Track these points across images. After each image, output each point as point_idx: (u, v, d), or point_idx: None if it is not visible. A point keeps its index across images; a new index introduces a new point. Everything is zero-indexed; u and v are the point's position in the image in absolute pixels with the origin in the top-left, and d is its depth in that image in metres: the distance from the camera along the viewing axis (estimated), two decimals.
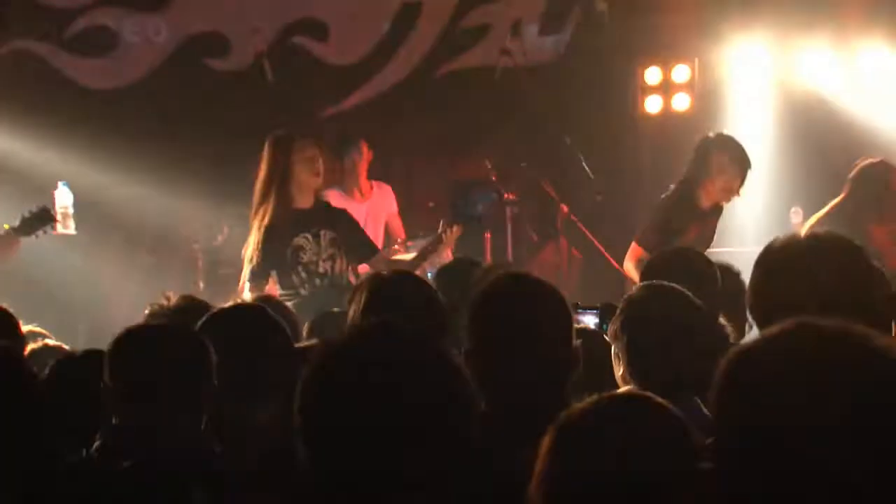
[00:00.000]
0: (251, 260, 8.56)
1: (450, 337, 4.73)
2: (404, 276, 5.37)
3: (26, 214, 8.60)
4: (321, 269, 8.53)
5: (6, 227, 8.58)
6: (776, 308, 3.57)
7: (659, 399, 2.74)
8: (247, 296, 8.43)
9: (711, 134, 9.43)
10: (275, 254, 8.49)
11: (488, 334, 3.90)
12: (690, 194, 8.98)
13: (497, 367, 3.84)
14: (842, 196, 9.32)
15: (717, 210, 9.15)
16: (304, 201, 8.60)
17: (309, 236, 8.54)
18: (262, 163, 8.67)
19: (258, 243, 8.53)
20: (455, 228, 8.76)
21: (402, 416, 2.68)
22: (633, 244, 8.91)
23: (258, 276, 8.53)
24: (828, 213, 9.30)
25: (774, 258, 3.89)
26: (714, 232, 9.22)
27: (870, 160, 9.37)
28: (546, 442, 2.57)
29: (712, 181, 8.89)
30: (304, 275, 8.51)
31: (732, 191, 8.93)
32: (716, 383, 2.24)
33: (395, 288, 4.99)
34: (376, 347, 2.78)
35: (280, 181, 8.55)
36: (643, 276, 5.98)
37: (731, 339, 5.82)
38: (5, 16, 11.70)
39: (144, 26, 12.10)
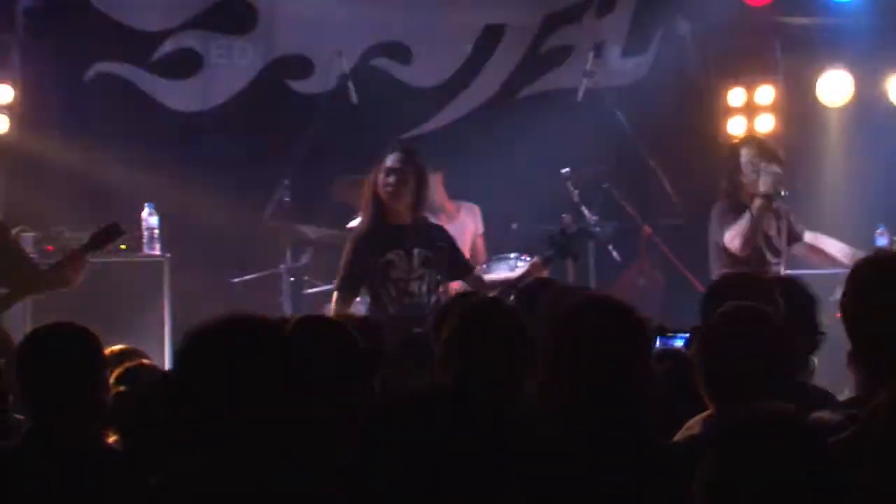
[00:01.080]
0: (342, 271, 8.61)
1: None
2: (495, 305, 5.35)
3: (96, 231, 8.60)
4: (411, 289, 8.54)
5: (71, 250, 8.61)
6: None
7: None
8: (332, 306, 8.51)
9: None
10: (364, 265, 8.53)
11: (565, 359, 3.95)
12: (736, 184, 9.12)
13: (573, 393, 3.89)
14: None
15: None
16: (402, 218, 8.63)
17: (402, 252, 8.55)
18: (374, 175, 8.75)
19: (348, 253, 8.59)
20: (545, 266, 8.82)
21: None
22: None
23: (346, 288, 8.58)
24: None
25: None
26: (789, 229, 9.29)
27: None
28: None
29: (745, 176, 9.05)
30: (393, 293, 8.52)
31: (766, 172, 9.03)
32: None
33: (485, 318, 4.93)
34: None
35: (376, 196, 8.62)
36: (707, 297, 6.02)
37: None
38: (86, 38, 11.79)
39: (230, 49, 12.18)
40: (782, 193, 9.13)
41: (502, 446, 3.00)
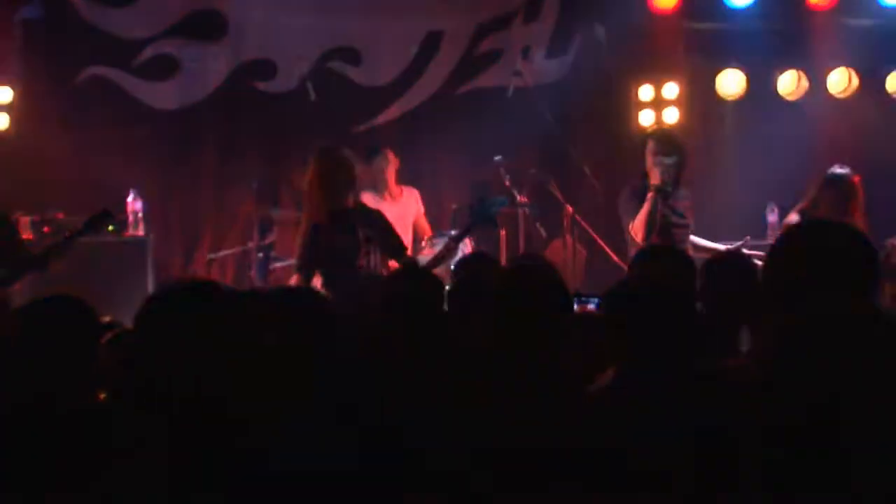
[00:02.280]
0: (300, 254, 8.60)
1: None
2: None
3: (90, 217, 8.57)
4: (360, 263, 8.55)
5: (67, 234, 8.58)
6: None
7: None
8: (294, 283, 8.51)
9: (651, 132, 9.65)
10: (317, 247, 8.52)
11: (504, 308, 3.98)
12: (645, 179, 9.12)
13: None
14: (812, 196, 9.34)
15: (682, 193, 9.21)
16: (343, 202, 8.61)
17: (349, 234, 8.55)
18: (309, 170, 8.71)
19: (304, 238, 8.57)
20: (465, 234, 8.88)
21: None
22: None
23: (305, 267, 8.56)
24: (801, 210, 9.33)
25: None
26: (684, 214, 9.27)
27: (836, 167, 9.40)
28: None
29: (648, 165, 9.06)
30: (344, 269, 8.52)
31: (658, 167, 9.02)
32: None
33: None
34: None
35: (323, 184, 8.59)
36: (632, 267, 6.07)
37: None
38: (78, 45, 11.74)
39: (203, 54, 12.12)
40: (667, 188, 9.07)
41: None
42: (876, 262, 3.74)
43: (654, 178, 8.98)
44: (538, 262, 6.58)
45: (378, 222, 8.74)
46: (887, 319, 2.31)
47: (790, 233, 3.98)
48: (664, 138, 9.28)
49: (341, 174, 8.58)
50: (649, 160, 9.08)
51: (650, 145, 9.13)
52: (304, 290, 5.51)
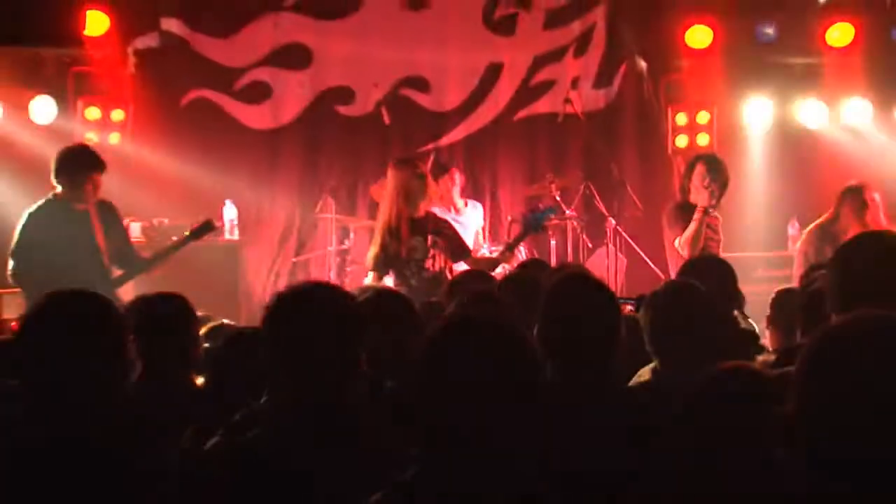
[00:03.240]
0: (375, 254, 8.61)
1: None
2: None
3: (194, 224, 8.63)
4: (426, 265, 8.56)
5: (174, 238, 8.66)
6: (854, 297, 3.51)
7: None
8: (369, 281, 8.52)
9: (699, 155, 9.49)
10: (394, 252, 8.54)
11: (557, 319, 3.89)
12: (687, 197, 8.99)
13: (563, 344, 3.84)
14: (831, 210, 9.22)
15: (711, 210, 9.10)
16: (417, 211, 8.63)
17: (421, 238, 8.56)
18: (388, 179, 8.74)
19: (381, 241, 8.58)
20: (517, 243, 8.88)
21: (487, 374, 2.69)
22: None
23: (380, 267, 8.58)
24: (820, 225, 9.21)
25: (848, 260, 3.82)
26: (717, 229, 9.15)
27: (853, 182, 9.28)
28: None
29: (694, 186, 8.90)
30: (414, 269, 8.53)
31: (708, 189, 8.88)
32: (804, 351, 2.21)
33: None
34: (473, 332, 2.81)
35: (400, 193, 8.60)
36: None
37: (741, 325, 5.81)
38: (183, 72, 11.85)
39: (293, 81, 12.17)
40: (711, 211, 8.94)
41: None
42: None
43: (703, 201, 8.73)
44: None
45: (446, 230, 8.76)
46: None
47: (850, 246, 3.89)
48: (715, 164, 9.06)
49: (416, 184, 8.59)
50: (698, 182, 8.91)
51: (700, 168, 8.93)
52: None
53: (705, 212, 8.72)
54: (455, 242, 8.75)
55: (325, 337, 3.31)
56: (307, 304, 3.38)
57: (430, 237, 8.57)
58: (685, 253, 8.76)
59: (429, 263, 8.57)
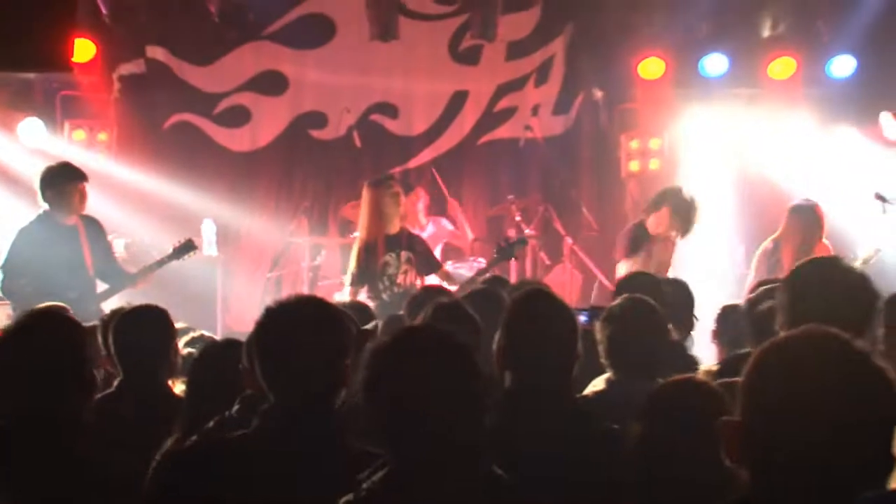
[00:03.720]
0: (353, 271, 8.60)
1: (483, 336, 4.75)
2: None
3: (176, 244, 8.66)
4: (398, 280, 8.55)
5: (158, 257, 8.66)
6: (798, 315, 3.52)
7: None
8: (345, 296, 8.49)
9: (672, 187, 9.46)
10: (368, 266, 8.52)
11: (519, 332, 3.86)
12: (643, 225, 9.00)
13: (524, 355, 3.81)
14: (783, 226, 9.15)
15: (667, 239, 9.08)
16: (392, 227, 8.62)
17: (394, 254, 8.56)
18: (363, 199, 8.74)
19: (358, 257, 8.57)
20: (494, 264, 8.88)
21: (433, 387, 2.69)
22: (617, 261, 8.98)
23: (357, 282, 8.57)
24: (775, 240, 9.15)
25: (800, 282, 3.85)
26: (670, 256, 9.14)
27: (801, 201, 9.23)
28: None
29: (658, 221, 8.91)
30: (387, 283, 8.53)
31: (670, 228, 8.88)
32: (751, 364, 2.18)
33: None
34: (418, 342, 2.82)
35: (375, 211, 8.60)
36: (616, 291, 5.99)
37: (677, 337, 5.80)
38: (166, 97, 11.83)
39: (270, 106, 12.17)
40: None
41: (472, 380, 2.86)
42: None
43: (665, 253, 8.91)
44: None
45: (419, 245, 8.76)
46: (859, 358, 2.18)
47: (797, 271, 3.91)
48: (683, 211, 9.02)
49: (389, 202, 8.60)
50: (663, 225, 8.89)
51: (666, 212, 8.95)
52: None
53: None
54: (426, 257, 8.76)
55: (313, 348, 3.29)
56: (297, 317, 3.36)
57: (403, 253, 8.57)
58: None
59: (401, 278, 8.56)
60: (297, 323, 3.32)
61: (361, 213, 8.72)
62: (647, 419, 3.41)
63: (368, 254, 8.53)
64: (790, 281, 3.86)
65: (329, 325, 3.35)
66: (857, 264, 8.72)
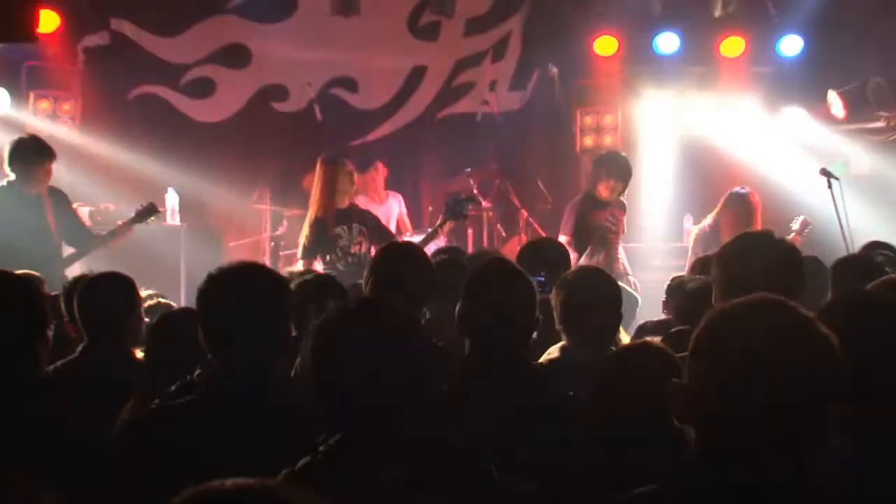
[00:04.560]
0: (304, 243, 8.59)
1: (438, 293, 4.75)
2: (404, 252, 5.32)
3: (139, 208, 8.65)
4: (352, 251, 8.56)
5: (120, 222, 8.64)
6: (735, 287, 3.56)
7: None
8: (299, 267, 8.46)
9: (603, 152, 9.56)
10: (321, 238, 8.52)
11: (479, 300, 3.87)
12: (593, 191, 9.04)
13: (483, 323, 3.82)
14: (717, 211, 9.32)
15: (618, 203, 9.13)
16: (342, 203, 8.63)
17: (345, 227, 8.57)
18: (316, 174, 8.71)
19: (310, 231, 8.57)
20: (447, 224, 8.83)
21: (377, 360, 2.68)
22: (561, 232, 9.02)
23: (309, 254, 8.57)
24: (708, 224, 9.31)
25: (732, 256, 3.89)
26: (621, 223, 9.20)
27: (739, 188, 9.39)
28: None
29: (603, 182, 8.97)
30: (339, 254, 8.54)
31: (615, 189, 8.93)
32: (700, 329, 2.21)
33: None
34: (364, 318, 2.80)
35: (328, 187, 8.59)
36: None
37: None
38: (132, 68, 11.74)
39: (234, 78, 12.12)
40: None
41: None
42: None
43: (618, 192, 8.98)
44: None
45: (369, 219, 8.76)
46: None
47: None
48: (617, 165, 9.15)
49: (342, 179, 8.60)
50: (604, 186, 8.99)
51: (602, 171, 9.06)
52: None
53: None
54: (377, 229, 8.76)
55: (251, 311, 3.31)
56: (235, 282, 3.37)
57: (354, 225, 8.58)
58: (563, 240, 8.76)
59: (355, 249, 8.57)
60: (237, 288, 3.34)
61: (314, 188, 8.69)
62: (602, 382, 3.44)
63: (319, 227, 8.53)
64: (722, 256, 3.92)
65: (267, 291, 3.37)
66: (790, 236, 8.88)
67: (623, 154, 9.53)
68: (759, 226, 8.97)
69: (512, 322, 3.80)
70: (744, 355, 2.11)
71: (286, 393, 3.33)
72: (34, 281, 4.05)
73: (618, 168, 9.11)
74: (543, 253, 6.02)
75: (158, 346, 4.45)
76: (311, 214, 8.66)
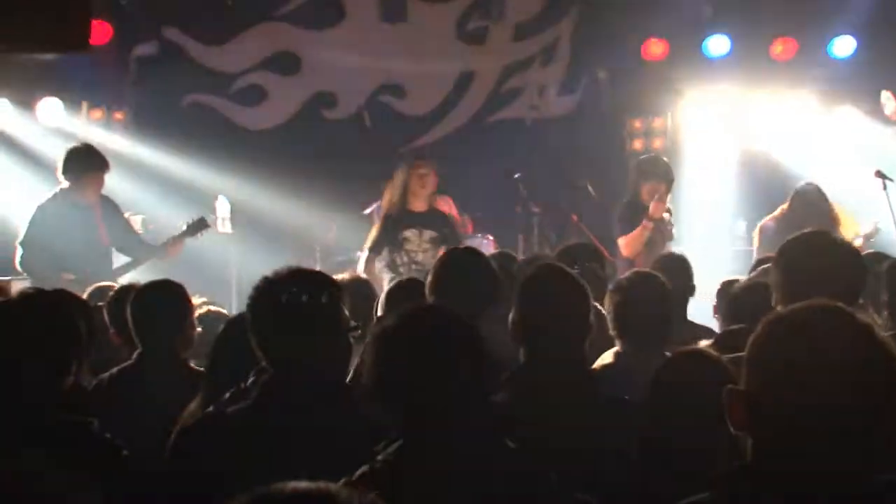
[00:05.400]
0: (373, 237, 8.67)
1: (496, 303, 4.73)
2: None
3: (189, 222, 8.69)
4: (419, 258, 8.54)
5: (174, 235, 8.68)
6: (795, 290, 3.52)
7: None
8: (360, 268, 8.52)
9: (638, 160, 9.49)
10: (387, 237, 8.53)
11: (532, 307, 3.85)
12: (636, 197, 8.95)
13: (537, 330, 3.80)
14: (784, 208, 9.15)
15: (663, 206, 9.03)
16: (415, 205, 8.62)
17: (416, 231, 8.55)
18: (395, 176, 8.78)
19: (379, 226, 8.63)
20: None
21: (434, 366, 2.69)
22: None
23: (374, 248, 8.60)
24: (776, 218, 9.13)
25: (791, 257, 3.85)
26: (669, 228, 9.13)
27: (806, 183, 9.22)
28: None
29: (644, 186, 8.87)
30: (405, 259, 8.53)
31: (657, 191, 8.84)
32: (757, 335, 2.20)
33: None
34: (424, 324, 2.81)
35: (398, 188, 8.63)
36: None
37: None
38: (182, 77, 11.83)
39: (284, 85, 12.18)
40: (665, 217, 8.98)
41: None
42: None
43: (656, 212, 8.77)
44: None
45: (443, 226, 8.71)
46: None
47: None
48: (657, 168, 9.09)
49: (413, 180, 8.62)
50: (646, 192, 8.90)
51: (645, 173, 8.99)
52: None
53: (654, 221, 8.70)
54: (454, 237, 8.71)
55: (304, 317, 3.30)
56: (287, 287, 3.35)
57: (427, 231, 8.56)
58: (625, 252, 8.75)
59: (421, 256, 8.55)
60: (289, 295, 3.32)
61: (390, 187, 8.80)
62: (656, 390, 3.42)
63: (387, 225, 8.59)
64: (780, 257, 3.87)
65: (321, 297, 3.34)
66: (858, 241, 8.75)
67: (661, 156, 9.44)
68: (837, 218, 8.77)
69: (568, 326, 3.79)
70: (801, 363, 2.10)
71: (342, 399, 3.33)
72: (63, 295, 4.06)
73: (656, 170, 9.04)
74: (575, 254, 5.96)
75: (221, 353, 4.47)
76: (383, 211, 8.75)
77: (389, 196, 8.73)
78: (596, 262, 5.95)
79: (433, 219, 8.69)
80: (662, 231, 9.00)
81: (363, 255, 8.75)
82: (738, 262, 10.24)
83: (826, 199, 8.94)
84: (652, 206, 8.74)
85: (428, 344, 2.72)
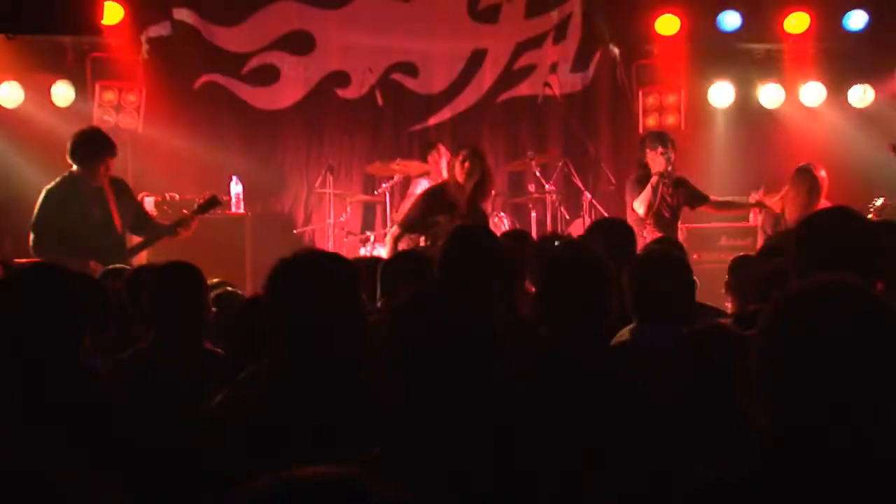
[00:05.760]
0: (407, 213, 8.78)
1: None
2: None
3: (200, 200, 8.69)
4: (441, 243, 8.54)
5: (185, 212, 8.68)
6: (813, 266, 3.52)
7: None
8: (387, 241, 8.82)
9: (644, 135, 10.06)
10: (420, 219, 8.53)
11: (554, 284, 3.85)
12: (644, 169, 9.27)
13: (559, 304, 3.81)
14: (787, 186, 9.27)
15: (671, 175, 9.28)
16: (457, 194, 8.60)
17: (448, 216, 8.52)
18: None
19: (418, 204, 8.66)
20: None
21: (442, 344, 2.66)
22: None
23: (407, 228, 8.61)
24: (781, 198, 9.26)
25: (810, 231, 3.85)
26: (679, 198, 9.33)
27: (804, 164, 9.30)
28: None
29: (650, 157, 9.20)
30: (430, 241, 8.52)
31: (664, 155, 9.18)
32: (771, 309, 2.21)
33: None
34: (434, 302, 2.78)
35: (447, 172, 8.88)
36: None
37: None
38: (195, 57, 11.81)
39: (298, 65, 12.15)
40: (669, 170, 9.18)
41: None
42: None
43: (659, 166, 9.16)
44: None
45: (479, 220, 8.68)
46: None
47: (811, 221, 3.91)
48: (660, 137, 9.45)
49: (457, 169, 8.64)
50: (652, 152, 9.17)
51: (650, 142, 9.22)
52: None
53: (661, 176, 8.99)
54: (479, 217, 8.67)
55: (320, 298, 3.28)
56: (305, 268, 3.35)
57: (457, 213, 8.52)
58: (641, 211, 9.05)
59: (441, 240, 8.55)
60: (303, 274, 3.32)
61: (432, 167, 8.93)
62: (676, 366, 3.40)
63: (425, 204, 8.60)
64: (800, 231, 3.86)
65: (335, 278, 3.33)
66: (870, 214, 8.75)
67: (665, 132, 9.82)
68: (821, 202, 8.87)
69: (588, 305, 3.78)
70: (813, 337, 2.11)
71: (356, 378, 3.32)
72: (66, 269, 4.05)
73: (658, 136, 9.44)
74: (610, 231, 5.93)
75: (240, 334, 4.47)
76: (426, 190, 8.98)
77: (437, 179, 8.85)
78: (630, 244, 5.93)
79: (469, 209, 8.65)
80: (678, 190, 9.21)
81: (392, 230, 8.77)
82: (751, 239, 10.29)
83: (818, 182, 9.02)
84: (655, 163, 9.17)
85: (434, 324, 2.69)
